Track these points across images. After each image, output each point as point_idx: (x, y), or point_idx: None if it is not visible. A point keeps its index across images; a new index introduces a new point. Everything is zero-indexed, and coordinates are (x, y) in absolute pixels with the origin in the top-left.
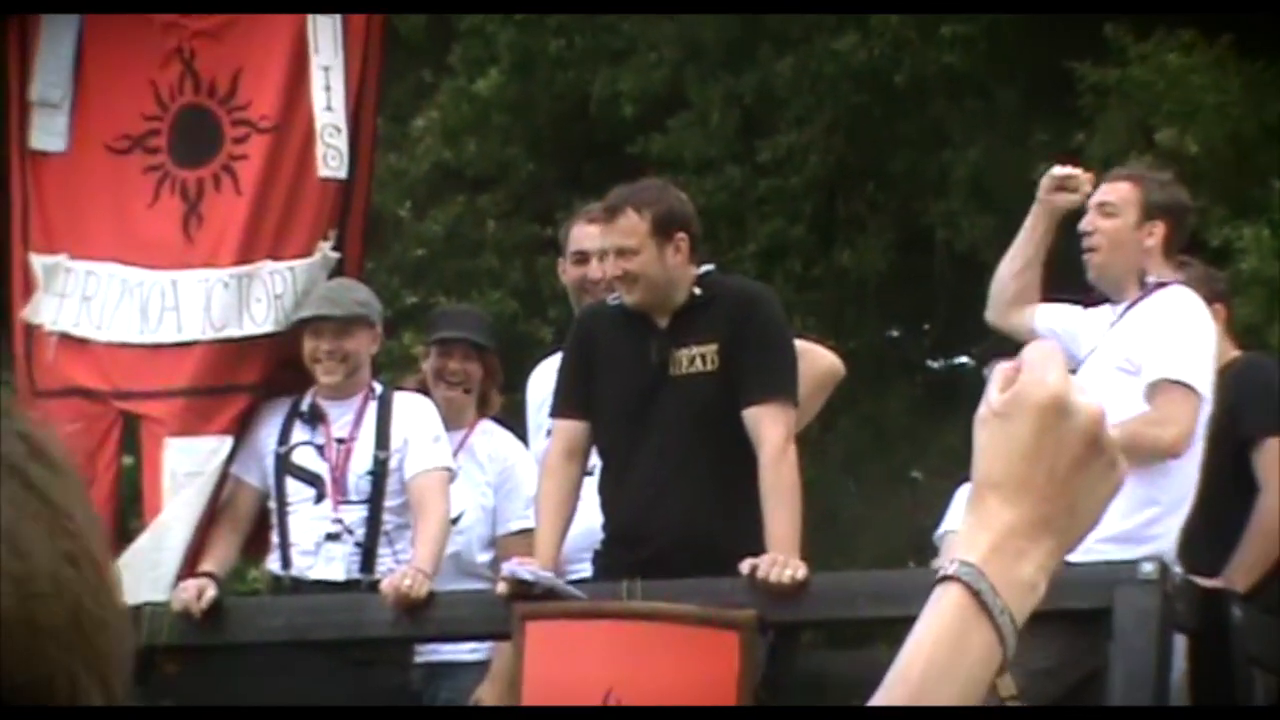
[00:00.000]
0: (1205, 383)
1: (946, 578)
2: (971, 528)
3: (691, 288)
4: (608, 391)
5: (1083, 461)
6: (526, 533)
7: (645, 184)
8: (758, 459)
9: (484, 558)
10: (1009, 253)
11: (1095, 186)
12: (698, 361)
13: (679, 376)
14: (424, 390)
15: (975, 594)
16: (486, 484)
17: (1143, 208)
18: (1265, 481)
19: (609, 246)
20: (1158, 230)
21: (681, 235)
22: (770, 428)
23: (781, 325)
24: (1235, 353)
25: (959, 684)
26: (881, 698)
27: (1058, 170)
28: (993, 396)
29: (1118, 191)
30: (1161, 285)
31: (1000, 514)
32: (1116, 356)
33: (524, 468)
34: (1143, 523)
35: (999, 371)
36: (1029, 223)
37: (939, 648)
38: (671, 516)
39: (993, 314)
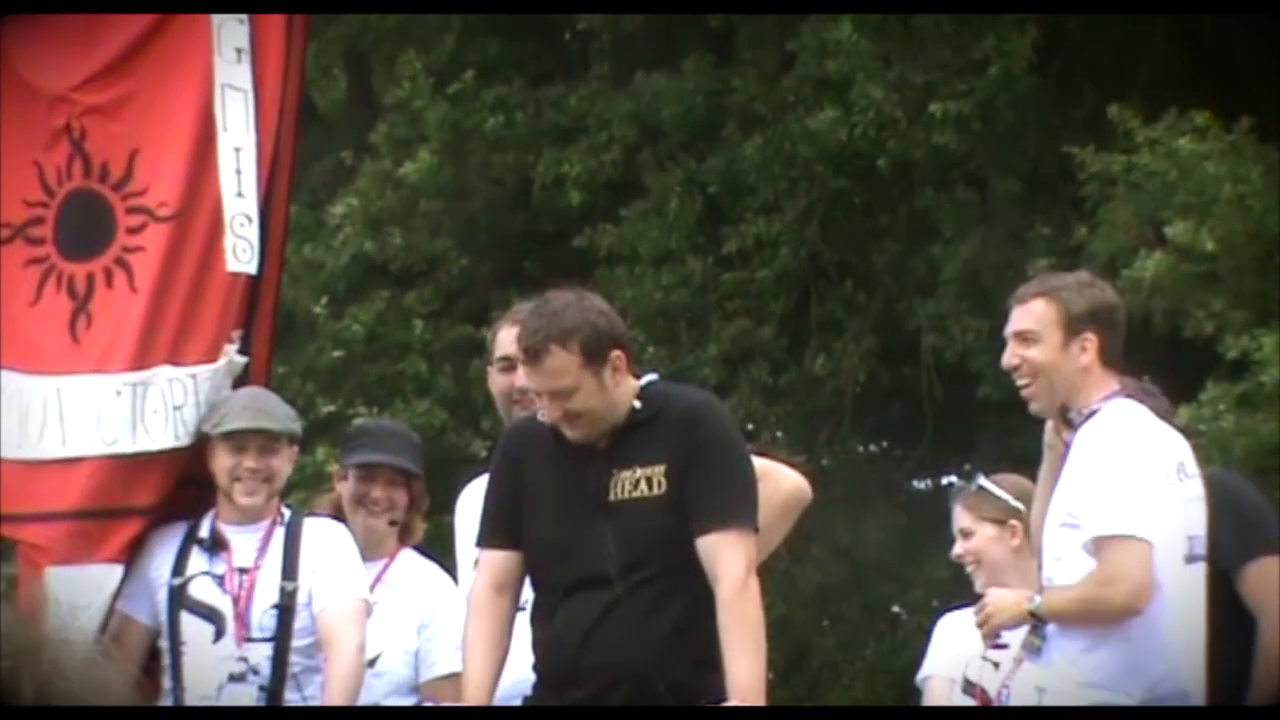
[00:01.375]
0: (1148, 524)
1: None
2: None
3: (632, 401)
4: (538, 521)
5: None
6: (454, 677)
7: (557, 305)
8: (714, 593)
9: (402, 704)
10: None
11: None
12: (642, 485)
13: (619, 502)
14: (338, 514)
15: None
16: (409, 622)
17: (1065, 324)
18: (1260, 609)
19: (540, 389)
20: (1090, 344)
21: (617, 353)
22: (728, 559)
23: (735, 441)
24: None
25: None
26: None
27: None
28: None
29: (1033, 314)
30: (1088, 417)
31: None
32: (1061, 511)
33: (451, 604)
34: (1149, 687)
35: None
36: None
37: None
38: (602, 656)
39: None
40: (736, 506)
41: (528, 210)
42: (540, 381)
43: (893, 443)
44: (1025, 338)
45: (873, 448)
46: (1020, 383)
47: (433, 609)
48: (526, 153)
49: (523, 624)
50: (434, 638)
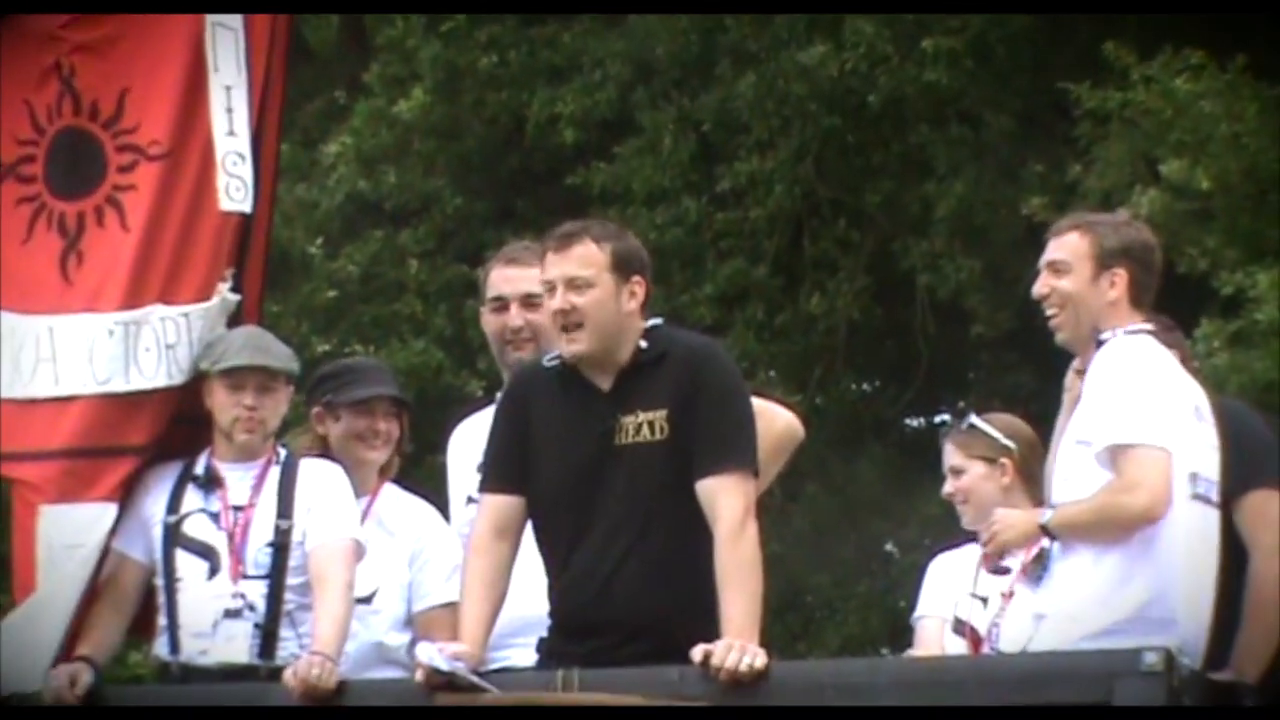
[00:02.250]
0: (1167, 433)
1: None
2: None
3: (638, 341)
4: (546, 467)
5: None
6: (448, 607)
7: (601, 220)
8: (715, 537)
9: (401, 639)
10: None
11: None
12: (645, 430)
13: (625, 446)
14: (324, 455)
15: None
16: (400, 556)
17: (1097, 258)
18: (1252, 544)
19: (557, 277)
20: (1119, 279)
21: (638, 280)
22: (727, 501)
23: (737, 386)
24: None
25: None
26: None
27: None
28: None
29: (1066, 245)
30: (1111, 339)
31: None
32: (1077, 430)
33: (440, 536)
34: (1138, 606)
35: None
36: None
37: None
38: (623, 606)
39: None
40: (737, 449)
41: (521, 149)
42: (563, 268)
43: (886, 381)
44: (1057, 268)
45: (866, 386)
46: (1049, 312)
47: (423, 540)
48: (520, 91)
49: (523, 562)
50: (425, 568)
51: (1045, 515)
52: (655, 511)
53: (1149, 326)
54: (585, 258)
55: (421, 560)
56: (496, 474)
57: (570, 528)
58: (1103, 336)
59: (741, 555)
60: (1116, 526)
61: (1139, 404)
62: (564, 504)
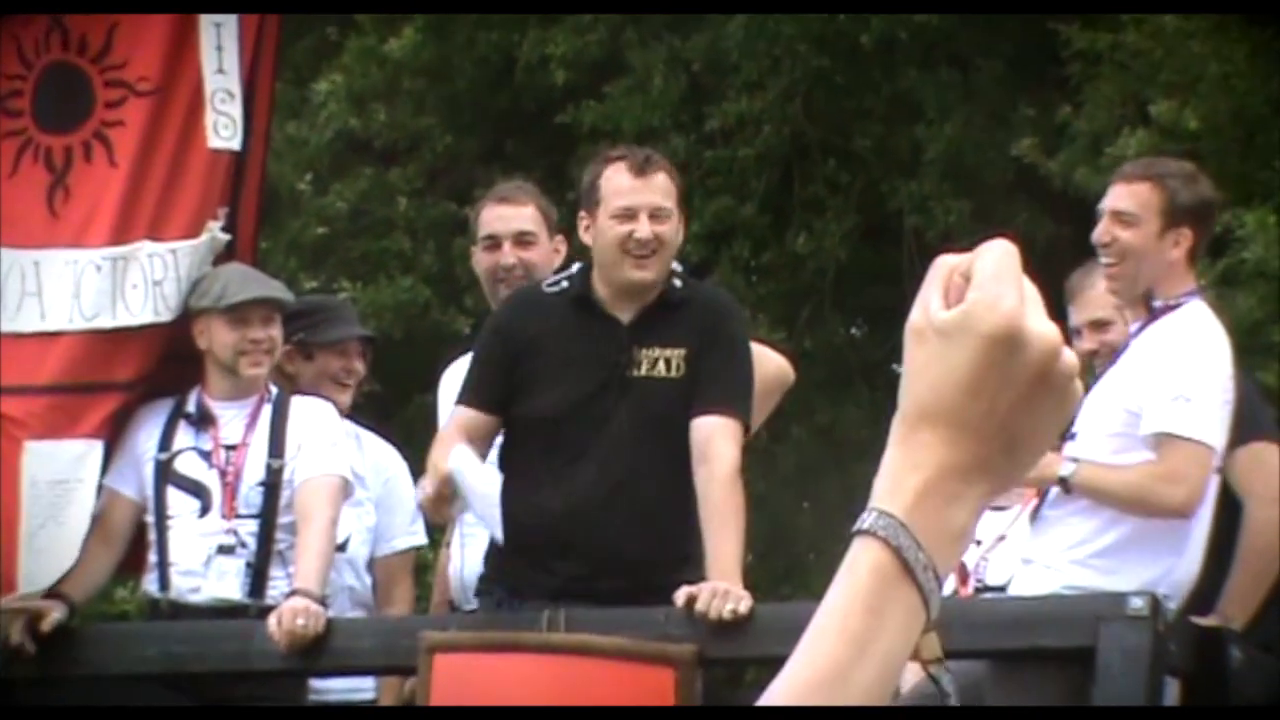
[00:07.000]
0: (1218, 433)
1: (863, 533)
2: (898, 466)
3: (672, 279)
4: (552, 389)
5: (1030, 399)
6: (407, 553)
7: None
8: (701, 471)
9: (366, 581)
10: None
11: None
12: (660, 365)
13: (637, 379)
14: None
15: (896, 552)
16: (369, 499)
17: (1167, 213)
18: (1245, 495)
19: (645, 205)
20: (1184, 238)
21: (680, 218)
22: (724, 443)
23: (747, 341)
24: None
25: (879, 658)
26: (788, 679)
27: None
28: (933, 306)
29: (1136, 196)
30: (1170, 308)
31: (934, 452)
32: (1121, 395)
33: (405, 477)
34: (1152, 581)
35: (944, 268)
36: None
37: (854, 619)
38: (609, 536)
39: None
40: (740, 398)
41: (511, 88)
42: (649, 197)
43: (874, 324)
44: (1123, 219)
45: (854, 329)
46: (1105, 261)
47: (390, 484)
48: (511, 31)
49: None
50: (391, 511)
51: (1067, 468)
52: (657, 446)
53: (1196, 291)
54: (666, 188)
55: (388, 504)
56: (475, 391)
57: (569, 451)
58: (1156, 303)
59: (736, 500)
60: (1144, 510)
61: (1199, 394)
62: (567, 428)
